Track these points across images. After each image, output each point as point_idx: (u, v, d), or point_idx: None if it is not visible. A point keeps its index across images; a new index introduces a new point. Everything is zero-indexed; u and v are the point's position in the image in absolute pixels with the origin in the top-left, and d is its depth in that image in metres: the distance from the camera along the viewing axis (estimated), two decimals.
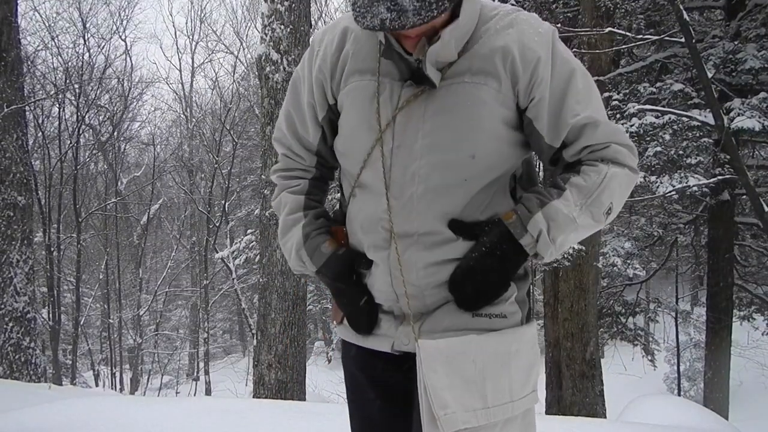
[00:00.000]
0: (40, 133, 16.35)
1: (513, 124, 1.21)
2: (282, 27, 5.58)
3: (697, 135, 7.88)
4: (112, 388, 17.82)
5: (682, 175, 7.17)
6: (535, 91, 1.18)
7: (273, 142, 1.43)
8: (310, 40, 1.39)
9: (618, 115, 7.76)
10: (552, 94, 1.19)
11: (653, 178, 7.40)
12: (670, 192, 7.19)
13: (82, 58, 17.53)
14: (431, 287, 1.23)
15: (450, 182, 1.19)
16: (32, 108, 14.50)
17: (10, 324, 8.10)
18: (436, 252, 1.21)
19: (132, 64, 28.68)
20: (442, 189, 1.19)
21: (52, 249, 15.30)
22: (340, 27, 1.32)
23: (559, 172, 1.26)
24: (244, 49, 23.81)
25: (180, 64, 40.38)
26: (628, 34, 6.98)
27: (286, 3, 5.59)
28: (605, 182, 1.18)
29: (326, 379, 13.75)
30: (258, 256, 7.60)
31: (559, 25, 7.10)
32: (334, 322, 1.39)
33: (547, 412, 8.10)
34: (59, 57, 17.01)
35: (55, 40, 16.83)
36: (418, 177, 1.19)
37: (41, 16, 23.51)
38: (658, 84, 8.22)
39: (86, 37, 17.67)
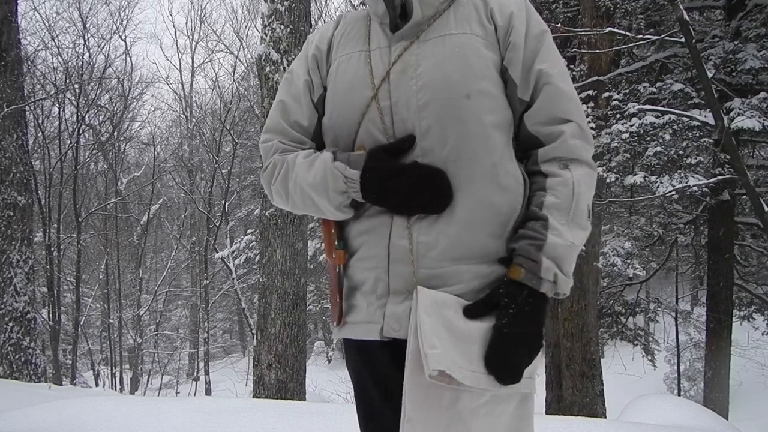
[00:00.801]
0: (40, 133, 16.35)
1: (500, 70, 1.25)
2: (282, 27, 5.58)
3: (697, 135, 7.88)
4: (112, 388, 17.81)
5: (682, 175, 7.17)
6: (510, 37, 1.24)
7: (261, 142, 1.38)
8: (307, 38, 1.42)
9: (618, 115, 7.77)
10: (526, 46, 1.24)
11: (653, 178, 7.39)
12: (670, 192, 7.19)
13: (82, 58, 17.55)
14: (428, 257, 1.19)
15: (450, 126, 1.20)
16: (32, 108, 14.50)
17: (10, 324, 8.10)
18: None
19: (132, 64, 28.78)
20: (444, 136, 1.19)
21: (52, 249, 15.29)
22: (335, 18, 1.41)
23: (519, 144, 1.27)
24: (244, 49, 23.87)
25: (180, 64, 40.49)
26: (628, 34, 6.98)
27: (286, 3, 5.59)
28: (576, 191, 1.18)
29: (326, 379, 13.76)
30: (258, 256, 7.60)
31: (559, 25, 7.10)
32: (334, 323, 1.35)
33: (547, 412, 8.11)
34: (59, 57, 17.05)
35: (55, 40, 16.85)
36: (419, 128, 1.20)
37: (41, 16, 23.63)
38: (658, 84, 8.22)
39: (86, 37, 17.70)
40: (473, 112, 1.19)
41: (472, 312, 1.16)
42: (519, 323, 1.14)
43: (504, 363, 1.14)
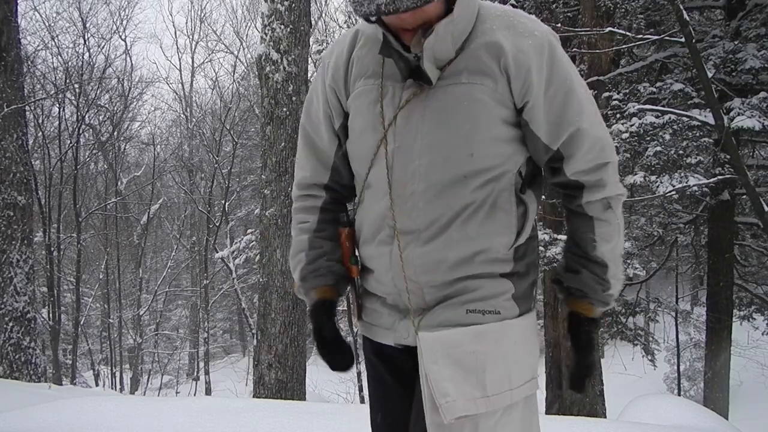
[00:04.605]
0: (40, 133, 16.35)
1: (512, 121, 1.24)
2: (282, 27, 5.57)
3: (697, 135, 7.88)
4: (112, 388, 17.81)
5: (682, 174, 7.16)
6: (528, 96, 1.21)
7: (296, 166, 1.47)
8: (321, 55, 1.44)
9: (618, 115, 7.76)
10: (550, 101, 1.22)
11: (653, 178, 7.39)
12: (670, 192, 7.19)
13: (82, 58, 17.57)
14: (429, 286, 1.27)
15: (449, 179, 1.22)
16: (32, 108, 14.50)
17: (10, 324, 8.09)
18: (431, 246, 1.25)
19: (132, 64, 28.79)
20: (442, 186, 1.23)
21: (52, 249, 15.28)
22: (351, 32, 1.37)
23: (557, 183, 1.33)
24: (244, 49, 23.84)
25: (180, 64, 40.48)
26: (628, 33, 6.98)
27: (286, 3, 5.58)
28: (621, 234, 1.32)
29: (326, 379, 13.73)
30: (258, 256, 7.60)
31: (559, 25, 7.11)
32: (355, 319, 1.46)
33: (547, 412, 8.10)
34: (59, 57, 17.06)
35: (55, 40, 16.86)
36: (418, 175, 1.23)
37: (41, 16, 23.66)
38: (658, 84, 8.21)
39: (86, 37, 17.71)
40: (475, 170, 1.22)
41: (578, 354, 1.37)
42: (593, 351, 1.37)
43: (584, 380, 1.38)
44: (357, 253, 1.40)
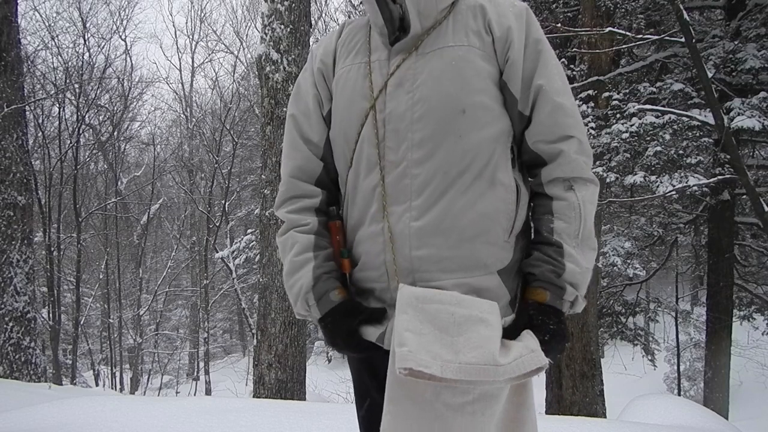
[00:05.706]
0: (40, 133, 16.33)
1: (499, 83, 1.26)
2: (282, 27, 5.57)
3: (697, 135, 7.88)
4: (112, 388, 17.81)
5: (682, 174, 7.17)
6: (509, 53, 1.24)
7: (283, 159, 1.41)
8: (310, 49, 1.43)
9: (618, 115, 7.76)
10: (525, 61, 1.24)
11: (653, 178, 7.39)
12: (670, 192, 7.19)
13: (82, 57, 17.55)
14: (423, 261, 1.22)
15: (443, 139, 1.21)
16: (32, 108, 14.50)
17: (10, 324, 8.09)
18: (426, 217, 1.21)
19: (132, 64, 28.80)
20: (435, 146, 1.21)
21: (52, 249, 15.28)
22: (338, 27, 1.42)
23: (518, 162, 1.29)
24: (244, 49, 23.91)
25: (180, 63, 40.52)
26: (628, 33, 6.97)
27: (286, 3, 5.58)
28: (582, 214, 1.23)
29: (326, 379, 13.76)
30: (258, 256, 7.60)
31: (559, 25, 7.10)
32: None
33: (547, 412, 8.10)
34: (59, 57, 17.04)
35: (55, 40, 16.84)
36: (409, 138, 1.22)
37: (41, 16, 23.66)
38: (658, 84, 8.22)
39: (86, 37, 17.69)
40: (468, 126, 1.21)
41: (507, 335, 1.20)
42: (556, 342, 1.21)
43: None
44: (346, 246, 1.33)
